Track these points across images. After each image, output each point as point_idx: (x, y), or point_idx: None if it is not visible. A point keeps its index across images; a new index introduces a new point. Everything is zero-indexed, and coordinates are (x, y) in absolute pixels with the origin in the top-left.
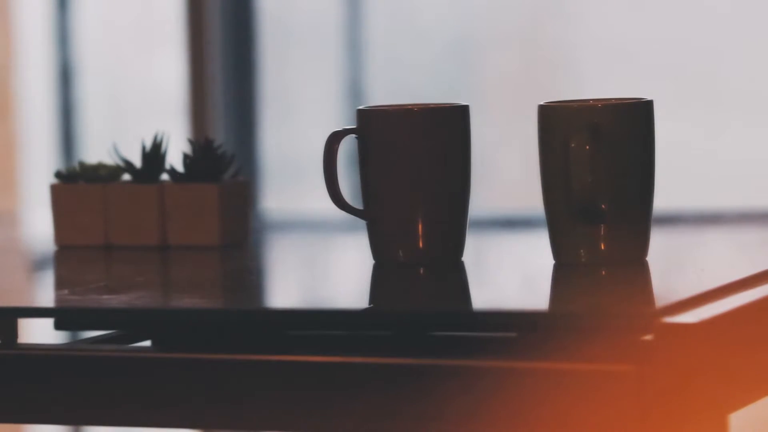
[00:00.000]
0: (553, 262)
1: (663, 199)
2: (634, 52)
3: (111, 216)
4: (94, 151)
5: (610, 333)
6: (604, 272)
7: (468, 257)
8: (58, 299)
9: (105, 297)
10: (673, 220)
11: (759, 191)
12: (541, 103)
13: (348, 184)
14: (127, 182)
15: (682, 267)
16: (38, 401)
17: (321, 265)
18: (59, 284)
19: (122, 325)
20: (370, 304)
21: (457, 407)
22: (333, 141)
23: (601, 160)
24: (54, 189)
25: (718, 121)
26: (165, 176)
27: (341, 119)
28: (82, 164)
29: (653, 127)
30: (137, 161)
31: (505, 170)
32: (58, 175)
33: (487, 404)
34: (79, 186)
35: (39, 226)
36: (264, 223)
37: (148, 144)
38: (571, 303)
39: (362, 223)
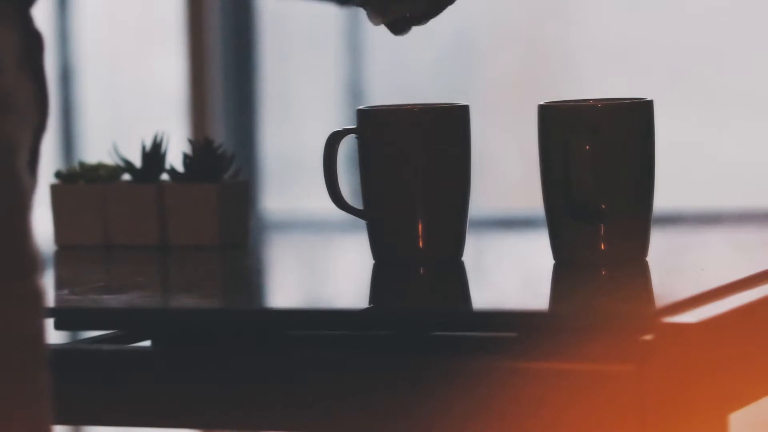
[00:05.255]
0: (553, 262)
1: (663, 199)
2: (634, 53)
3: (111, 216)
4: (94, 151)
5: (610, 333)
6: (604, 272)
7: (468, 257)
8: (58, 299)
9: (105, 297)
10: (673, 220)
11: (759, 191)
12: (541, 103)
13: (348, 184)
14: (127, 182)
15: (682, 267)
16: None
17: (321, 265)
18: (59, 284)
19: (122, 325)
20: (370, 304)
21: (457, 407)
22: (333, 141)
23: (601, 160)
24: (54, 189)
25: (717, 121)
26: (165, 176)
27: (341, 119)
28: (82, 164)
29: (653, 127)
30: (137, 161)
31: (505, 170)
32: (58, 175)
33: (487, 404)
34: (79, 186)
35: (39, 226)
36: (264, 223)
37: (148, 144)
38: (571, 303)
39: (362, 223)
